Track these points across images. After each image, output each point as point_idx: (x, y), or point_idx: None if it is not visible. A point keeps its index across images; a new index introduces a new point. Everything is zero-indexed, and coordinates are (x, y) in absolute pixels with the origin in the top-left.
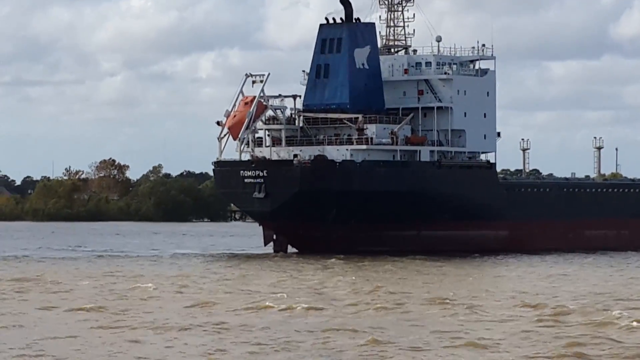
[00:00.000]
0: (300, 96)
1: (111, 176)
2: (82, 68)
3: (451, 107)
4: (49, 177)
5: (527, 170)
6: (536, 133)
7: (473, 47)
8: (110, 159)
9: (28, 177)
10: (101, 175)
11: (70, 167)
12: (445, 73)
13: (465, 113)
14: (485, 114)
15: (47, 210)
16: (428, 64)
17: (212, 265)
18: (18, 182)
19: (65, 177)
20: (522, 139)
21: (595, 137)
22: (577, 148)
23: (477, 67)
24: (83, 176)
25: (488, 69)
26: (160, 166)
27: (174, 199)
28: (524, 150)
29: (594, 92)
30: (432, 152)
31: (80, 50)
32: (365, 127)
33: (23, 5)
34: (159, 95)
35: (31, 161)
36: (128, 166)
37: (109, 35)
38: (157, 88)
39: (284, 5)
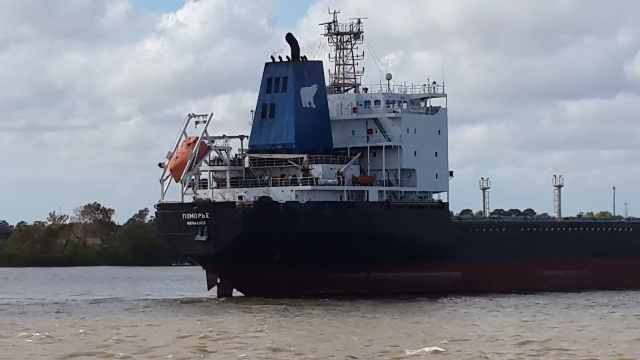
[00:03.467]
0: (247, 136)
1: (95, 220)
2: (96, 112)
3: (400, 146)
4: (26, 223)
5: (488, 210)
6: (550, 173)
7: (424, 85)
8: (95, 203)
9: (3, 221)
10: (86, 219)
11: (54, 211)
12: (394, 111)
13: (415, 152)
14: (436, 153)
15: (21, 255)
16: (377, 102)
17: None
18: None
19: (50, 222)
20: (482, 178)
21: (555, 176)
22: (591, 187)
23: (428, 104)
24: (68, 221)
25: (439, 107)
26: (146, 210)
27: (152, 243)
28: (483, 189)
29: (609, 132)
30: (380, 192)
31: (94, 94)
32: (310, 167)
33: (40, 51)
34: (172, 139)
35: (41, 206)
36: (113, 210)
37: (124, 79)
38: (171, 132)
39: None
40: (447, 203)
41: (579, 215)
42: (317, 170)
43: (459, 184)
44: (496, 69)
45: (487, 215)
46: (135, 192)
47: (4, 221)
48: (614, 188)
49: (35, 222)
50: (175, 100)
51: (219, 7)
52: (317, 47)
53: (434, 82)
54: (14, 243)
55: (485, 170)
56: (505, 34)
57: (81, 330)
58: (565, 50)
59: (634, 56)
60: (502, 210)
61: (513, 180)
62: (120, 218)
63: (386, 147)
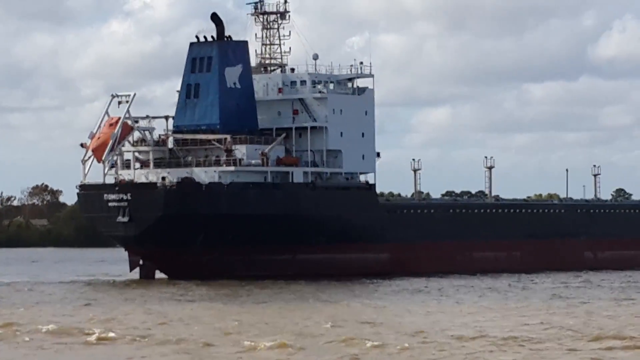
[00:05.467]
0: (172, 117)
1: (44, 202)
2: (62, 94)
3: (326, 127)
4: None
5: (418, 191)
6: (514, 155)
7: (351, 65)
8: (42, 184)
9: None
10: (33, 201)
11: (2, 192)
12: (320, 92)
13: (341, 133)
14: (363, 134)
15: None
16: (303, 82)
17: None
18: None
19: None
20: (413, 159)
21: (486, 157)
22: (552, 170)
23: (354, 85)
24: (15, 202)
25: (366, 87)
26: None
27: None
28: (415, 170)
29: (572, 114)
30: (306, 173)
31: (61, 76)
32: (234, 148)
33: (6, 32)
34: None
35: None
36: (61, 191)
37: (90, 61)
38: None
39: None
40: (374, 184)
41: (527, 198)
42: (240, 151)
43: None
44: (462, 52)
45: (417, 196)
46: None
47: None
48: (567, 170)
49: None
50: (141, 82)
51: None
52: (243, 27)
53: (361, 63)
54: None
55: (448, 153)
56: (471, 16)
57: None
58: (531, 33)
59: (598, 39)
60: (453, 192)
61: (477, 162)
62: (70, 199)
63: (312, 127)
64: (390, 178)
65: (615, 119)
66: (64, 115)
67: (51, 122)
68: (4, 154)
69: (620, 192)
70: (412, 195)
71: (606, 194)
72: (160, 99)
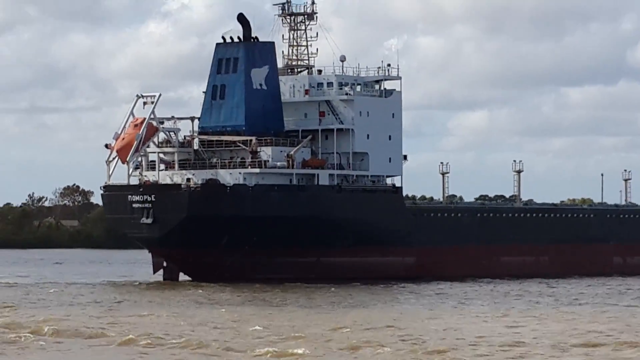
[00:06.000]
0: (198, 118)
1: (76, 203)
2: (98, 94)
3: (352, 129)
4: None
5: (449, 195)
6: (550, 159)
7: (378, 67)
8: (74, 184)
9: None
10: (65, 201)
11: (33, 193)
12: (347, 94)
13: (368, 135)
14: (390, 136)
15: None
16: (330, 84)
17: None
18: None
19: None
20: (442, 163)
21: (514, 161)
22: (588, 174)
23: (382, 87)
24: (47, 203)
25: (394, 89)
26: None
27: None
28: (443, 174)
29: (610, 118)
30: (331, 175)
31: (97, 76)
32: (259, 150)
33: (44, 32)
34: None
35: (37, 188)
36: (92, 192)
37: (127, 61)
38: (172, 114)
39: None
40: (401, 187)
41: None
42: (266, 152)
43: (458, 169)
44: (499, 55)
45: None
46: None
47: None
48: (602, 175)
49: (5, 204)
50: (178, 83)
51: None
52: (270, 28)
53: (389, 65)
54: None
55: (484, 156)
56: (509, 19)
57: None
58: (570, 37)
59: (637, 43)
60: (486, 195)
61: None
62: (101, 200)
63: (338, 129)
64: (425, 181)
65: None
66: (99, 116)
67: (87, 122)
68: (39, 155)
69: None
70: (445, 198)
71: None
72: (197, 100)
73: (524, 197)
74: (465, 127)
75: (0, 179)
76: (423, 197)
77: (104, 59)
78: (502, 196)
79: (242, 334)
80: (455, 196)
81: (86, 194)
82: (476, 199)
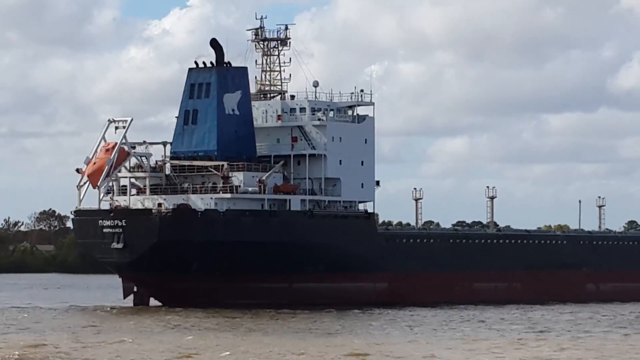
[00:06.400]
0: (170, 143)
1: (52, 227)
2: (79, 119)
3: (325, 155)
4: None
5: (424, 220)
6: (530, 186)
7: (352, 93)
8: (50, 209)
9: None
10: (41, 226)
11: (9, 217)
12: (320, 119)
13: (340, 161)
14: (362, 162)
15: None
16: (302, 109)
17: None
18: None
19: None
20: (415, 189)
21: (488, 187)
22: (568, 201)
23: (354, 113)
24: (23, 228)
25: (367, 115)
26: None
27: None
28: (416, 200)
29: (590, 145)
30: (303, 201)
31: (78, 101)
32: (231, 175)
33: (25, 57)
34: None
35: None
36: (68, 217)
37: (108, 86)
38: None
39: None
40: (373, 213)
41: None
42: (238, 178)
43: (437, 196)
44: (480, 81)
45: (419, 226)
46: None
47: None
48: (579, 201)
49: None
50: (158, 108)
51: (205, 16)
52: (244, 53)
53: (362, 90)
54: None
55: (464, 182)
56: (490, 46)
57: None
58: (550, 64)
59: (618, 70)
60: (464, 222)
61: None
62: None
63: (310, 155)
64: (405, 207)
65: (634, 150)
66: (80, 141)
67: (67, 147)
68: (19, 179)
69: (632, 224)
70: (422, 224)
71: (620, 226)
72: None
73: (502, 224)
74: (445, 153)
75: None
76: (400, 223)
77: (85, 84)
78: (480, 222)
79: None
80: (433, 222)
81: (62, 219)
82: (453, 225)
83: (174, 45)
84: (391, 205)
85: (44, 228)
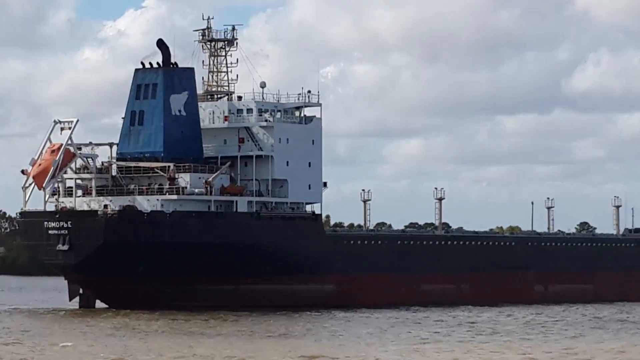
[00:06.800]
0: (117, 144)
1: (2, 229)
2: (33, 120)
3: (272, 156)
4: None
5: (370, 222)
6: (485, 187)
7: (299, 94)
8: (1, 211)
9: None
10: None
11: None
12: (267, 120)
13: (287, 162)
14: (310, 163)
15: None
16: (249, 111)
17: None
18: None
19: None
20: (363, 190)
21: (436, 188)
22: (523, 202)
23: (302, 114)
24: None
25: (314, 116)
26: None
27: None
28: (364, 201)
29: (545, 147)
30: (250, 202)
31: (32, 102)
32: (177, 177)
33: None
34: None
35: None
36: None
37: (63, 88)
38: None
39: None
40: (321, 214)
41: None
42: (184, 179)
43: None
44: (435, 83)
45: (368, 227)
46: None
47: None
48: (532, 203)
49: None
50: (113, 109)
51: (160, 17)
52: (191, 54)
53: (309, 91)
54: None
55: (419, 184)
56: (445, 47)
57: None
58: (506, 66)
59: (572, 72)
60: (416, 223)
61: (450, 194)
62: None
63: (257, 156)
64: (358, 209)
65: (588, 152)
66: (34, 142)
67: (21, 148)
68: None
69: (584, 225)
70: (374, 226)
71: (573, 227)
72: None
73: (456, 225)
74: (400, 155)
75: None
76: (352, 225)
77: (40, 85)
78: (432, 224)
79: None
80: (385, 224)
81: (12, 220)
82: (406, 227)
83: (129, 46)
84: (346, 206)
85: None
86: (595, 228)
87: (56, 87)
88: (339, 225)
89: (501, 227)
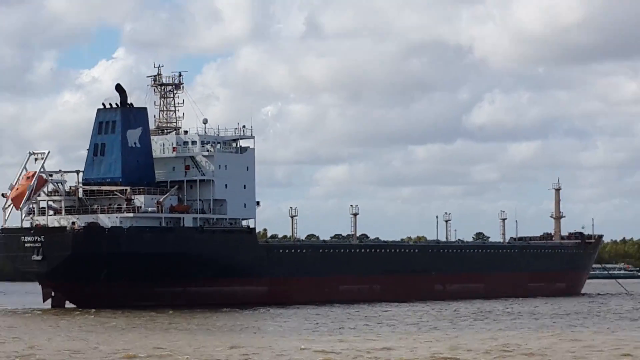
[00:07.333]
0: (82, 171)
1: None
2: (21, 152)
3: (213, 180)
4: None
5: (297, 234)
6: (400, 204)
7: (235, 128)
8: None
9: None
10: None
11: None
12: (208, 150)
13: (226, 185)
14: (245, 186)
15: None
16: (194, 142)
17: None
18: None
19: None
20: (291, 207)
21: (351, 205)
22: (431, 217)
23: (238, 145)
24: None
25: (248, 146)
26: None
27: None
28: (292, 217)
29: (449, 171)
30: (195, 218)
31: (21, 138)
32: (133, 198)
33: None
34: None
35: None
36: None
37: (46, 125)
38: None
39: (196, 98)
40: (254, 228)
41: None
42: (139, 200)
43: (322, 213)
44: (358, 118)
45: (296, 238)
46: None
47: None
48: (437, 217)
49: None
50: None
51: (128, 66)
52: (145, 95)
53: (244, 126)
54: None
55: (345, 202)
56: (366, 89)
57: None
58: (416, 104)
59: (472, 109)
60: (340, 234)
61: (371, 211)
62: None
63: (201, 180)
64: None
65: (485, 175)
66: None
67: (11, 176)
68: None
69: (479, 235)
70: (305, 237)
71: (470, 237)
72: None
73: (373, 236)
74: (329, 178)
75: None
76: (285, 236)
77: (27, 123)
78: (365, 235)
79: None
80: (315, 235)
81: None
82: (332, 237)
83: (101, 90)
84: (283, 222)
85: None
86: (488, 237)
87: (40, 125)
88: (274, 237)
89: (410, 237)
